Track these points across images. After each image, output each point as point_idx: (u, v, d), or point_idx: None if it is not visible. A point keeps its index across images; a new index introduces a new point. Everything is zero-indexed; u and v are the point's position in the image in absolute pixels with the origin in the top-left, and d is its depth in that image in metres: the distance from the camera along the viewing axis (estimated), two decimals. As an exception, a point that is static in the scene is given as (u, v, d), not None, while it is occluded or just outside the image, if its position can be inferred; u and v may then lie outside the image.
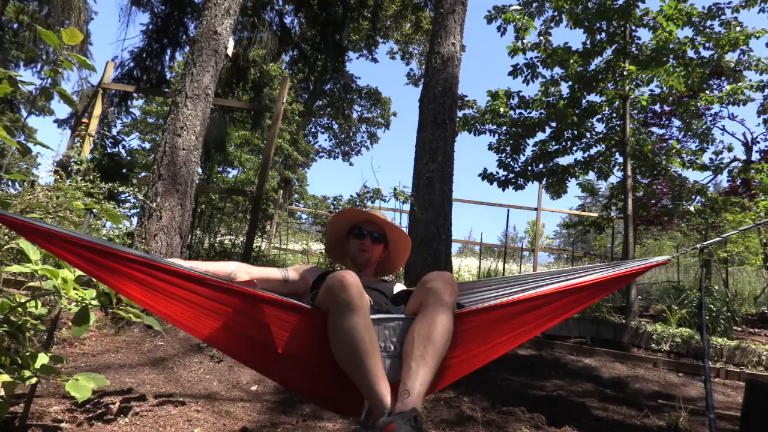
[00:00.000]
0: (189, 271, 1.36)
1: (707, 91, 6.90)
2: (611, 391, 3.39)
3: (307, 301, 1.63)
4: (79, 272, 1.72)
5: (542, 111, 6.30)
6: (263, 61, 8.55)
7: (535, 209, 8.63)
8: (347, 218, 1.91)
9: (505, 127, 6.48)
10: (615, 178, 6.57)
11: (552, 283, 1.57)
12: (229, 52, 5.08)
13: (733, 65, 5.78)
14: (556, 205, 45.34)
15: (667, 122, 9.62)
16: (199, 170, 5.40)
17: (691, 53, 5.57)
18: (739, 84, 5.94)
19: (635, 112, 7.03)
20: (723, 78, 8.04)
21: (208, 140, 5.64)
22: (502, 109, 6.30)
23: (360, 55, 19.62)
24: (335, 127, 23.33)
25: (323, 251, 4.74)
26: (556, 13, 6.17)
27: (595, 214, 7.25)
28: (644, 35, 17.95)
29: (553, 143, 6.40)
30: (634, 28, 5.70)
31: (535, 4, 6.41)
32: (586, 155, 6.47)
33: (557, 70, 6.11)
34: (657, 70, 5.56)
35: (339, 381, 1.39)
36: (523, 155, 6.61)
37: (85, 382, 1.72)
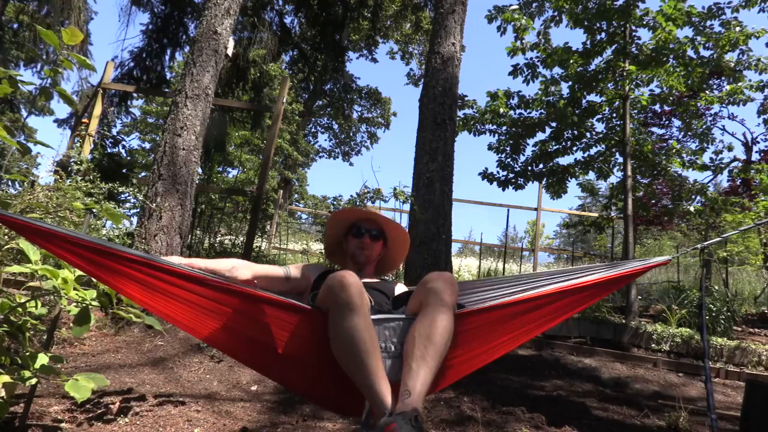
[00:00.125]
0: (189, 271, 1.36)
1: (707, 91, 6.90)
2: (611, 391, 3.39)
3: (307, 300, 1.63)
4: (79, 272, 1.72)
5: (542, 111, 6.30)
6: (263, 61, 8.55)
7: (535, 209, 8.63)
8: (345, 218, 1.91)
9: (505, 127, 6.48)
10: (615, 178, 6.58)
11: (552, 284, 1.57)
12: (229, 52, 5.08)
13: (733, 65, 5.78)
14: (556, 205, 45.35)
15: (667, 122, 9.62)
16: (199, 170, 5.40)
17: (691, 53, 5.57)
18: (739, 84, 5.94)
19: (635, 112, 7.03)
20: (723, 78, 8.04)
21: (208, 140, 5.64)
22: (502, 109, 6.30)
23: (360, 55, 19.63)
24: (335, 127, 23.33)
25: (323, 251, 4.74)
26: (556, 13, 6.17)
27: (595, 214, 7.25)
28: (644, 35, 17.95)
29: (553, 143, 6.40)
30: (634, 28, 5.70)
31: (535, 4, 6.41)
32: (586, 155, 6.47)
33: (557, 70, 6.11)
34: (657, 70, 5.56)
35: (339, 381, 1.39)
36: (523, 155, 6.62)
37: (85, 382, 1.72)
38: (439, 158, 5.30)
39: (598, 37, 5.82)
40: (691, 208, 6.55)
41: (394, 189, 4.62)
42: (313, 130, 23.20)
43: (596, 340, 4.65)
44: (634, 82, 5.73)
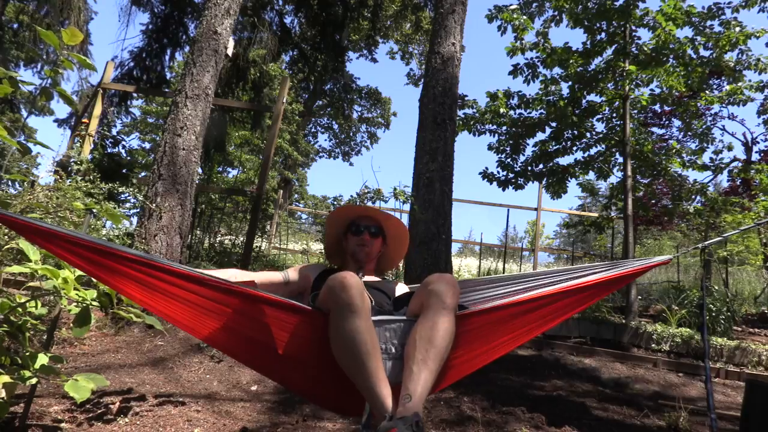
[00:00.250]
0: (189, 271, 1.36)
1: (707, 91, 6.90)
2: (611, 391, 3.39)
3: (308, 301, 1.63)
4: (79, 272, 1.72)
5: (542, 111, 6.30)
6: (263, 61, 8.55)
7: (535, 209, 8.64)
8: (343, 215, 1.91)
9: (505, 127, 6.48)
10: (615, 178, 6.58)
11: (553, 283, 1.57)
12: (229, 52, 5.08)
13: (732, 65, 5.79)
14: (556, 205, 45.34)
15: (667, 122, 9.62)
16: (199, 170, 5.40)
17: (691, 53, 5.57)
18: (739, 84, 5.94)
19: (635, 112, 7.03)
20: (723, 78, 8.04)
21: (208, 140, 5.64)
22: (502, 109, 6.30)
23: (360, 55, 19.63)
24: (335, 127, 23.33)
25: (323, 251, 4.75)
26: (556, 13, 6.18)
27: (595, 214, 7.26)
28: (644, 35, 17.95)
29: (553, 143, 6.41)
30: (634, 28, 5.71)
31: (535, 4, 6.41)
32: (586, 155, 6.47)
33: (557, 70, 6.11)
34: (657, 70, 5.56)
35: (339, 382, 1.38)
36: (523, 155, 6.62)
37: (85, 382, 1.72)
38: (439, 158, 5.30)
39: (598, 37, 5.83)
40: (691, 208, 6.55)
41: (394, 189, 4.63)
42: (313, 130, 23.20)
43: (596, 340, 4.65)
44: (634, 82, 5.73)
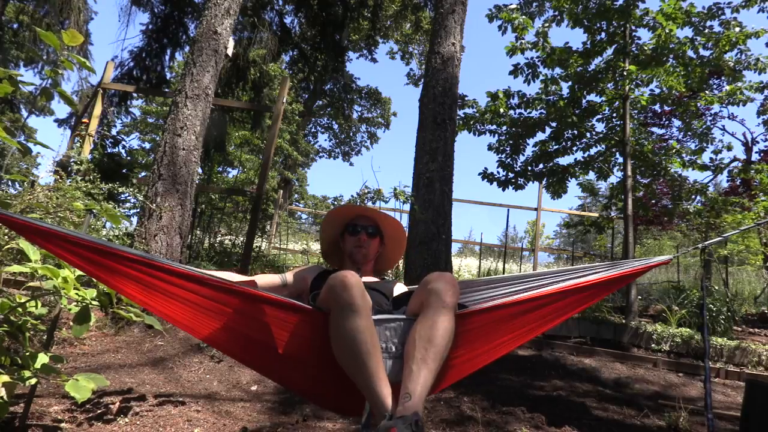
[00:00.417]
0: (189, 271, 1.36)
1: (707, 91, 6.90)
2: (611, 391, 3.39)
3: (307, 300, 1.63)
4: (79, 272, 1.72)
5: (542, 111, 6.30)
6: (263, 61, 8.55)
7: (535, 209, 8.64)
8: (340, 216, 1.91)
9: (505, 127, 6.48)
10: (615, 178, 6.58)
11: (553, 283, 1.57)
12: (229, 52, 5.08)
13: (732, 65, 5.79)
14: (556, 205, 45.35)
15: (667, 122, 9.62)
16: (199, 170, 5.40)
17: (690, 53, 5.57)
18: (739, 84, 5.94)
19: (635, 112, 7.03)
20: (723, 78, 8.04)
21: (208, 140, 5.64)
22: (502, 109, 6.30)
23: (360, 55, 19.63)
24: (335, 127, 23.33)
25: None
26: (556, 14, 6.17)
27: (595, 214, 7.26)
28: (644, 35, 17.97)
29: (553, 143, 6.41)
30: (634, 28, 5.71)
31: (535, 4, 6.40)
32: (586, 155, 6.47)
33: (557, 70, 6.11)
34: (657, 70, 5.56)
35: (339, 381, 1.38)
36: (523, 155, 6.62)
37: (85, 382, 1.72)
38: (439, 158, 5.30)
39: (598, 37, 5.83)
40: (691, 208, 6.55)
41: (394, 189, 4.63)
42: (313, 130, 23.21)
43: (596, 340, 4.65)
44: (634, 82, 5.73)
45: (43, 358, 1.74)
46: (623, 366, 4.09)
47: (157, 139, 15.05)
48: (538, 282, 1.61)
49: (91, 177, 4.12)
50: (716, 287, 6.27)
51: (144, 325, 3.48)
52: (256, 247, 5.92)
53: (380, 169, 7.59)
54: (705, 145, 6.77)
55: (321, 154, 24.23)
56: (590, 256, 9.54)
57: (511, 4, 6.07)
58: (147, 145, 17.32)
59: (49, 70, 1.96)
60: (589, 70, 5.88)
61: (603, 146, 6.35)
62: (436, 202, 5.16)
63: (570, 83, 6.06)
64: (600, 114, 6.23)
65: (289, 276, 1.79)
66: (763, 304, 6.87)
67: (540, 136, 6.47)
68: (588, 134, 6.33)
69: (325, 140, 24.54)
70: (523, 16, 5.95)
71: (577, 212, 11.03)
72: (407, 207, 5.37)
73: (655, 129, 9.68)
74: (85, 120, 5.66)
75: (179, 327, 1.46)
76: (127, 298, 1.67)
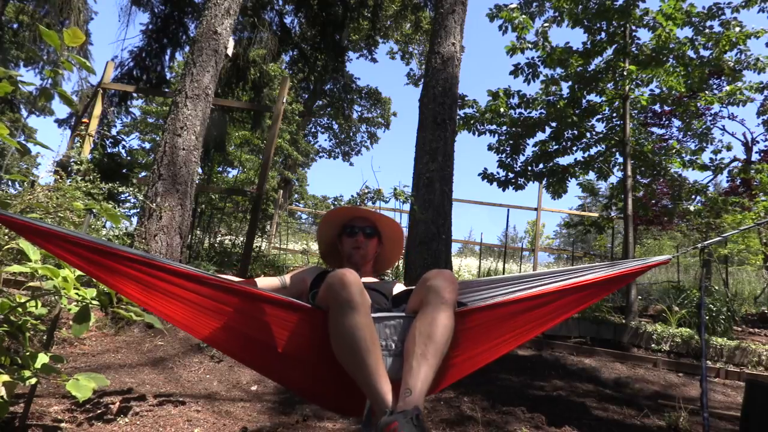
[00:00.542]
0: (189, 270, 1.36)
1: (707, 91, 6.90)
2: (611, 391, 3.39)
3: (307, 300, 1.63)
4: (79, 272, 1.72)
5: (542, 110, 6.30)
6: (263, 61, 8.54)
7: (535, 209, 8.64)
8: (337, 218, 1.91)
9: (505, 127, 6.48)
10: (615, 178, 6.58)
11: (553, 282, 1.57)
12: (229, 52, 5.08)
13: (732, 65, 5.79)
14: (556, 205, 45.33)
15: (667, 122, 9.62)
16: (199, 170, 5.40)
17: (690, 53, 5.57)
18: (738, 84, 5.94)
19: (635, 112, 7.03)
20: (723, 78, 8.04)
21: (208, 140, 5.64)
22: (502, 109, 6.30)
23: (360, 55, 19.62)
24: (335, 127, 23.32)
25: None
26: (556, 14, 6.17)
27: (595, 214, 7.25)
28: (644, 35, 17.96)
29: (553, 143, 6.40)
30: (634, 28, 5.71)
31: (535, 4, 6.40)
32: (586, 155, 6.47)
33: (558, 70, 6.11)
34: (657, 70, 5.56)
35: (339, 380, 1.38)
36: (523, 155, 6.62)
37: (86, 382, 1.72)
38: (439, 158, 5.30)
39: (598, 37, 5.83)
40: (692, 208, 6.55)
41: (394, 189, 4.63)
42: (313, 130, 23.19)
43: (596, 340, 4.65)
44: (634, 82, 5.73)
45: (43, 358, 1.74)
46: (623, 366, 4.09)
47: (157, 139, 15.05)
48: (538, 282, 1.61)
49: (91, 177, 4.13)
50: (716, 287, 6.27)
51: (144, 325, 3.48)
52: (256, 247, 5.92)
53: (380, 169, 7.60)
54: (705, 145, 6.77)
55: (321, 154, 24.23)
56: (590, 256, 9.54)
57: (511, 4, 6.07)
58: (147, 145, 17.32)
59: (49, 70, 1.96)
60: (589, 70, 5.88)
61: (603, 146, 6.35)
62: (436, 202, 5.16)
63: (570, 83, 6.06)
64: (600, 114, 6.23)
65: (288, 278, 1.79)
66: (763, 304, 6.87)
67: (540, 136, 6.48)
68: (588, 134, 6.33)
69: (325, 140, 24.55)
70: (524, 16, 5.95)
71: (577, 212, 11.03)
72: (407, 207, 5.38)
73: (655, 129, 9.69)
74: (85, 120, 5.66)
75: (179, 327, 1.46)
76: (127, 298, 1.67)
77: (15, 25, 11.70)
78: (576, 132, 6.26)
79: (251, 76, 8.08)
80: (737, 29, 5.41)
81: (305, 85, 16.47)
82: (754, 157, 10.06)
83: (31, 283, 2.48)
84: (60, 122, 16.07)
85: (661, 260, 1.64)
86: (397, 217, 7.94)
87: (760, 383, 2.76)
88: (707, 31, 5.52)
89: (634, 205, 5.79)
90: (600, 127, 6.39)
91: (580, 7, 5.73)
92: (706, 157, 7.01)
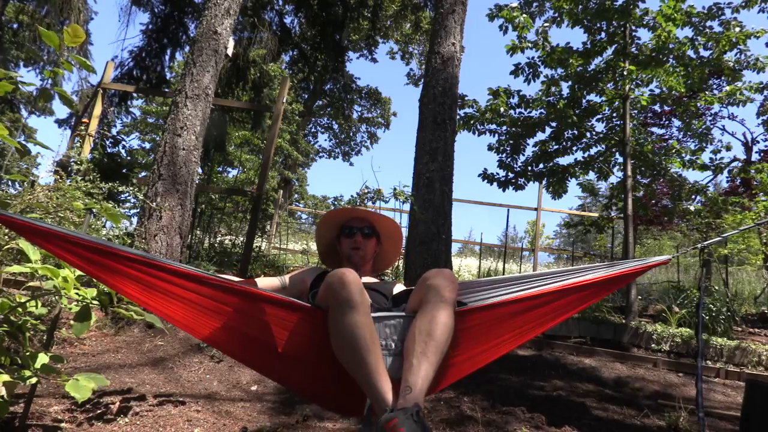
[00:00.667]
0: (189, 270, 1.36)
1: (707, 92, 6.90)
2: (611, 391, 3.39)
3: (306, 300, 1.63)
4: (79, 272, 1.72)
5: (542, 110, 6.30)
6: (263, 61, 8.54)
7: (535, 209, 8.64)
8: (334, 219, 1.91)
9: (505, 127, 6.48)
10: (615, 178, 6.58)
11: (553, 282, 1.57)
12: (229, 52, 5.08)
13: (732, 65, 5.79)
14: (556, 205, 45.31)
15: (667, 122, 9.62)
16: (199, 170, 5.40)
17: (690, 53, 5.57)
18: (738, 84, 5.94)
19: (635, 112, 7.03)
20: (723, 78, 8.04)
21: (208, 140, 5.64)
22: (502, 109, 6.30)
23: (360, 55, 19.62)
24: (335, 127, 23.31)
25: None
26: (556, 14, 6.17)
27: (595, 214, 7.25)
28: (644, 35, 17.96)
29: (553, 143, 6.41)
30: (634, 28, 5.71)
31: (535, 4, 6.40)
32: (586, 155, 6.47)
33: (558, 70, 6.11)
34: (657, 70, 5.56)
35: (339, 380, 1.39)
36: (523, 155, 6.62)
37: (85, 382, 1.72)
38: (439, 158, 5.30)
39: (598, 37, 5.83)
40: (691, 208, 6.55)
41: (394, 189, 4.63)
42: (313, 130, 23.18)
43: (596, 340, 4.65)
44: (634, 82, 5.73)
45: (43, 358, 1.74)
46: (623, 366, 4.09)
47: (157, 139, 15.05)
48: (538, 282, 1.61)
49: (91, 177, 4.12)
50: (716, 287, 6.27)
51: (144, 324, 3.48)
52: (256, 247, 5.92)
53: (380, 169, 7.60)
54: (705, 145, 6.77)
55: (321, 154, 24.22)
56: (590, 256, 9.54)
57: (511, 3, 6.07)
58: (147, 145, 17.31)
59: (49, 70, 1.96)
60: (589, 70, 5.88)
61: (603, 146, 6.35)
62: (436, 202, 5.16)
63: (570, 83, 6.06)
64: (600, 114, 6.23)
65: (287, 278, 1.80)
66: (763, 304, 6.87)
67: (540, 136, 6.48)
68: (588, 134, 6.33)
69: (325, 140, 24.54)
70: (524, 15, 5.95)
71: (577, 212, 11.03)
72: (407, 207, 5.38)
73: (655, 129, 9.69)
74: (85, 120, 5.65)
75: (179, 327, 1.46)
76: (127, 297, 1.67)
77: (15, 25, 11.70)
78: (576, 132, 6.26)
79: (251, 76, 8.08)
80: (737, 29, 5.41)
81: (305, 85, 16.47)
82: (754, 157, 10.06)
83: (31, 283, 2.48)
84: (60, 122, 16.07)
85: (661, 260, 1.64)
86: (397, 217, 7.94)
87: (760, 383, 2.76)
88: (707, 31, 5.52)
89: (634, 205, 5.79)
90: (600, 127, 6.40)
91: (580, 7, 5.73)
92: (706, 157, 7.01)
